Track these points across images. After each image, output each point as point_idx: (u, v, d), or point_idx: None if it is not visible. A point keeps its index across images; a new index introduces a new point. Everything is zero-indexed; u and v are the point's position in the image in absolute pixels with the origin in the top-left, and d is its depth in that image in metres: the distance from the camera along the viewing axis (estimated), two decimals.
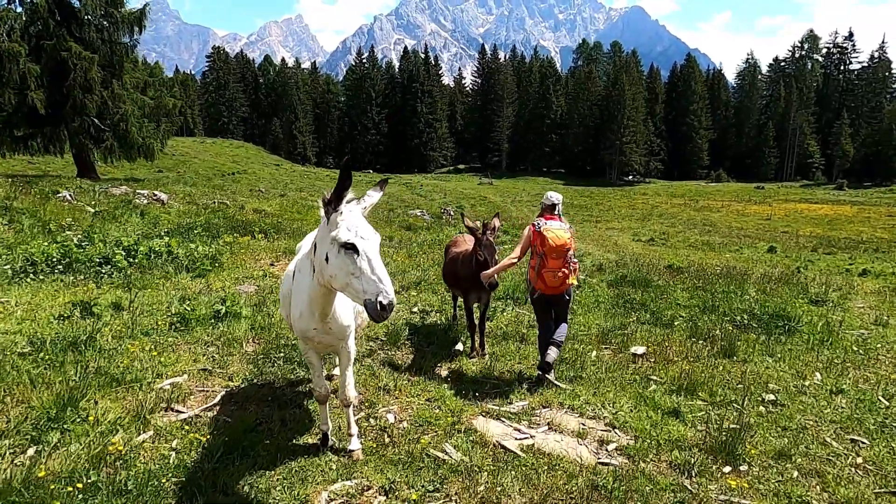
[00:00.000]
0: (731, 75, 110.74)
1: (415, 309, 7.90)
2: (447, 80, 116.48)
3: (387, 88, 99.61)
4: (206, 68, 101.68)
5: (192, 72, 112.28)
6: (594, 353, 6.45)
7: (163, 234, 9.81)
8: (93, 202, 12.86)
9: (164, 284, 7.50)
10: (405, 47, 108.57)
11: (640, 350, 6.46)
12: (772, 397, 5.40)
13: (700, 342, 7.06)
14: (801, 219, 44.13)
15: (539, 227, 5.41)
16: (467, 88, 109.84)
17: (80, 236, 8.07)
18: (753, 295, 9.62)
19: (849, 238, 33.10)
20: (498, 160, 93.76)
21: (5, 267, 7.06)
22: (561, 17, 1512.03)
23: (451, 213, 28.58)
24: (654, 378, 5.74)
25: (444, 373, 5.74)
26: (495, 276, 5.45)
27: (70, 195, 12.83)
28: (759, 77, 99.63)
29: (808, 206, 51.42)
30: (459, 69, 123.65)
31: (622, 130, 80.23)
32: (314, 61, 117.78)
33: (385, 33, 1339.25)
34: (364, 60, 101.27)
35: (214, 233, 10.63)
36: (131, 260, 7.49)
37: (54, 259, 7.17)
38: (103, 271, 7.08)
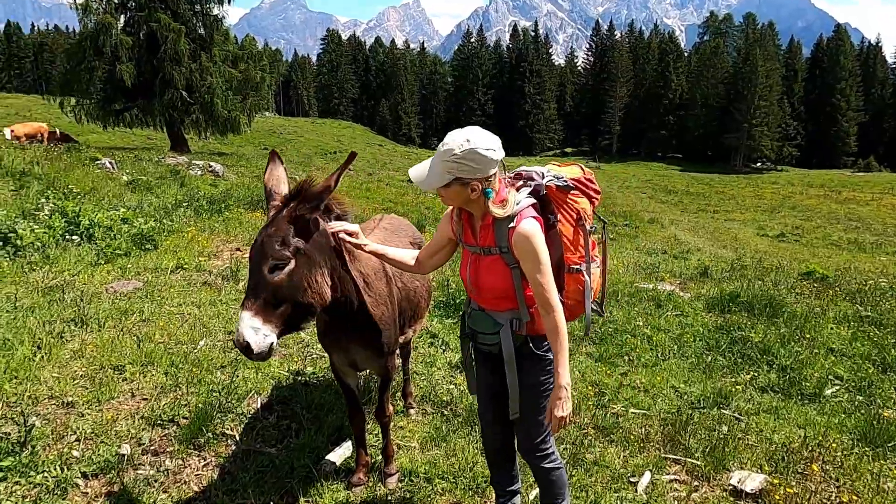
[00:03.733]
0: (890, 52, 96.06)
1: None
2: (559, 60, 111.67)
3: (494, 69, 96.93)
4: (320, 51, 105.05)
5: (314, 57, 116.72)
6: (646, 477, 3.09)
7: (168, 205, 8.54)
8: (134, 172, 12.03)
9: (20, 278, 5.11)
10: (514, 26, 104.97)
11: (753, 483, 3.02)
12: None
13: (886, 455, 3.49)
14: None
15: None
16: (579, 68, 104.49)
17: (51, 207, 6.81)
18: None
19: None
20: (608, 143, 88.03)
21: None
22: None
23: None
24: None
25: None
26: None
27: (111, 163, 12.08)
28: None
29: None
30: (573, 50, 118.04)
31: (752, 111, 71.71)
32: (422, 41, 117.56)
33: (500, 15, 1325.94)
34: (472, 40, 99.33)
35: (228, 205, 9.20)
36: (68, 236, 5.98)
37: None
38: None
